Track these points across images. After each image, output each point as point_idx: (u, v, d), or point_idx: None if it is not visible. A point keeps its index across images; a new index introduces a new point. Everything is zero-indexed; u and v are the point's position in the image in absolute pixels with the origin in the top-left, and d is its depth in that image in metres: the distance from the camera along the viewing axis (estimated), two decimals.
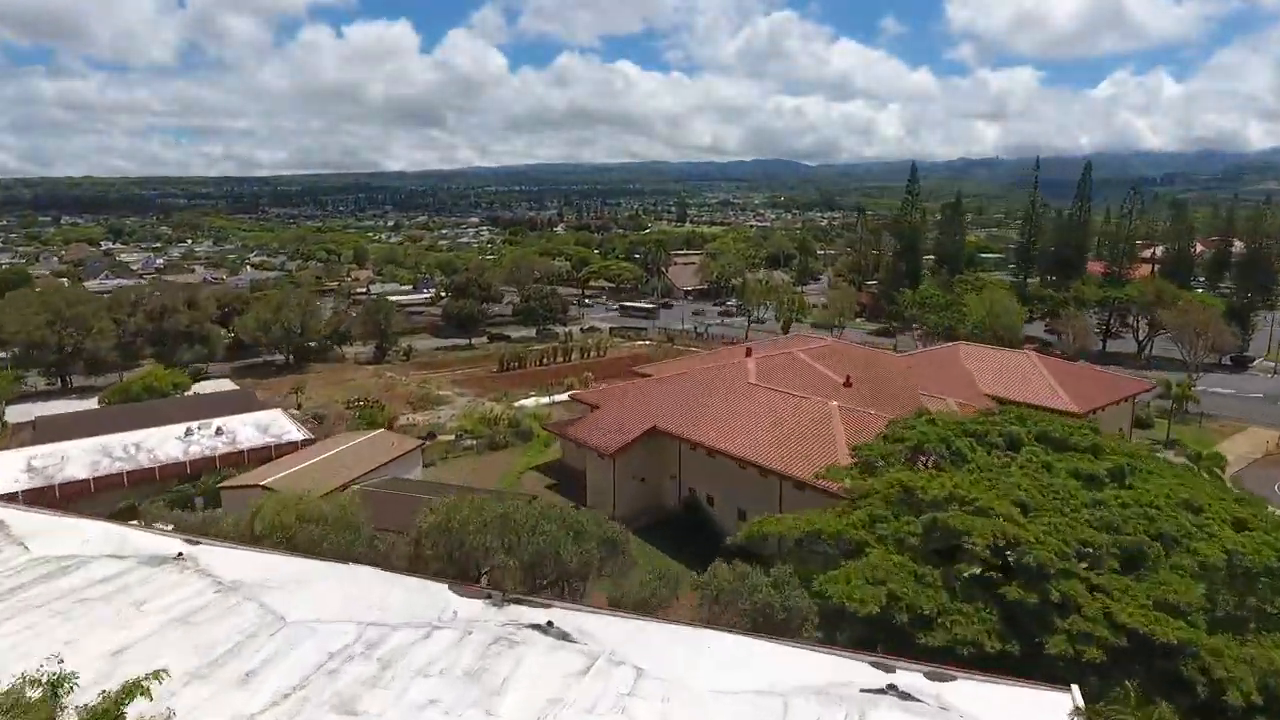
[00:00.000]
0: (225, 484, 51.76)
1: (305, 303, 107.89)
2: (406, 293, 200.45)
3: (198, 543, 31.37)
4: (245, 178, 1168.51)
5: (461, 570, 32.53)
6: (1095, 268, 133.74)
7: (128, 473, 57.07)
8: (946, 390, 59.34)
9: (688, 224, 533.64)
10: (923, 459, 36.21)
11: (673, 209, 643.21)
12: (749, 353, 61.18)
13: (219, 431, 64.00)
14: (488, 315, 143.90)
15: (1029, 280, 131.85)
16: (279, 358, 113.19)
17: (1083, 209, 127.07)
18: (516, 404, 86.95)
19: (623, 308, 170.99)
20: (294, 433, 64.97)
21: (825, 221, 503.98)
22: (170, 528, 38.10)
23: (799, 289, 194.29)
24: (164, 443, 61.64)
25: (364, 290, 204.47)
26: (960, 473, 33.68)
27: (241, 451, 60.96)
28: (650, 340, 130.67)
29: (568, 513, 32.94)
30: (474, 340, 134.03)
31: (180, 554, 29.91)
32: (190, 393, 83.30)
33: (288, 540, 35.16)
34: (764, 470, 45.69)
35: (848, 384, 56.16)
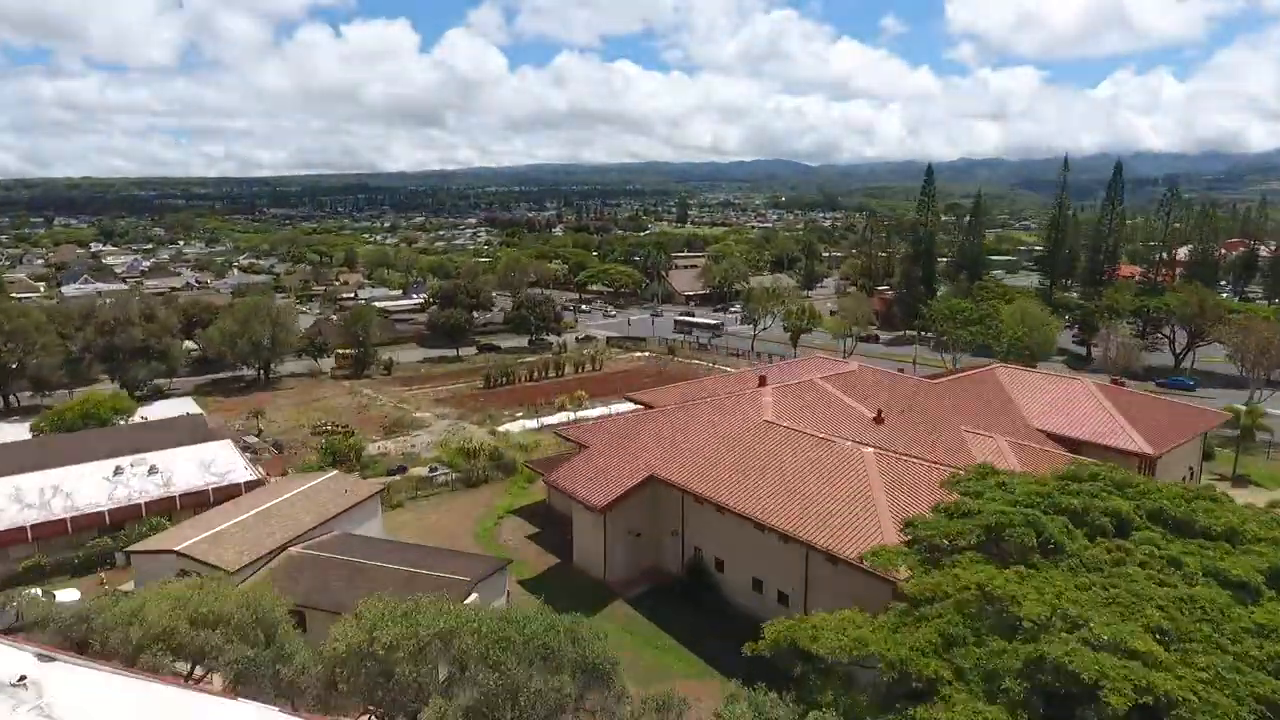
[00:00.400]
0: (135, 548, 43.33)
1: (275, 314, 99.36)
2: (396, 298, 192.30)
3: (52, 659, 23.12)
4: (245, 178, 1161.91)
5: (389, 713, 24.27)
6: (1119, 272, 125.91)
7: (32, 525, 48.62)
8: (992, 425, 50.98)
9: (688, 225, 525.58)
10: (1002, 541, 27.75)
11: (673, 210, 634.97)
12: (763, 381, 52.74)
13: (153, 470, 55.63)
14: (476, 325, 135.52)
15: (1050, 287, 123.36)
16: (249, 372, 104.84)
17: (1114, 211, 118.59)
18: (501, 428, 78.65)
19: (680, 323, 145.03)
20: (240, 471, 56.58)
21: (829, 222, 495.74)
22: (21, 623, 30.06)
23: (805, 293, 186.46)
24: (87, 484, 53.23)
25: (351, 295, 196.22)
26: (1059, 571, 25.38)
27: (175, 496, 52.59)
28: (650, 353, 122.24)
29: (537, 626, 24.45)
30: (462, 351, 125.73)
31: (23, 677, 21.64)
32: (137, 418, 74.93)
33: (175, 649, 26.96)
34: (786, 536, 37.29)
35: (879, 420, 47.83)
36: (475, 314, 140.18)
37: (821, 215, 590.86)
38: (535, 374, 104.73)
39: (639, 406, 61.89)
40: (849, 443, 41.61)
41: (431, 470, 66.14)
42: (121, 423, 71.06)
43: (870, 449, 40.46)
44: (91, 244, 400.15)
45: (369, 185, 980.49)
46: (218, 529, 42.09)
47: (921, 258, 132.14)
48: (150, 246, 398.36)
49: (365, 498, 48.76)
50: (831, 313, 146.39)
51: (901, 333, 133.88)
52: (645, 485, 44.29)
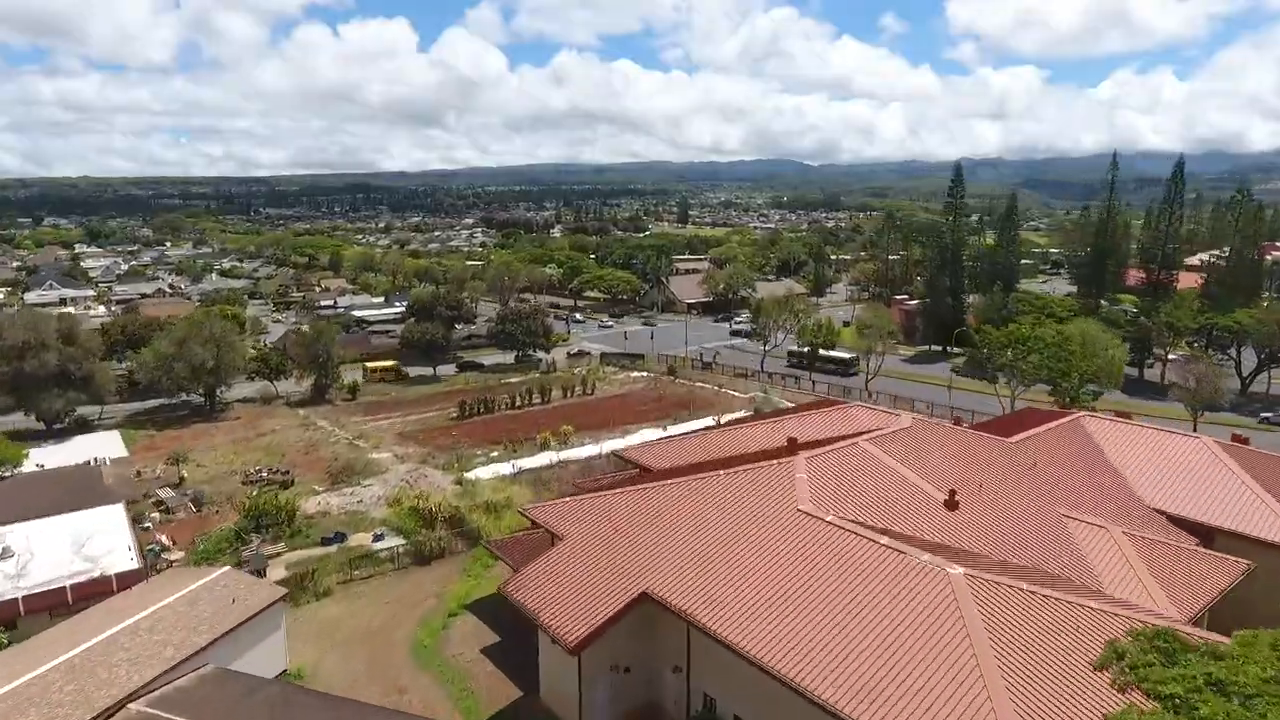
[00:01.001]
0: None
1: (218, 334, 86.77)
2: (377, 306, 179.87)
3: None
4: (244, 178, 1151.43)
5: None
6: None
7: None
8: (1098, 505, 38.56)
9: (690, 225, 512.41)
10: None
11: (674, 209, 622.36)
12: (793, 445, 40.17)
13: (5, 554, 43.31)
14: (457, 339, 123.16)
15: (1095, 299, 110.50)
16: (196, 398, 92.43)
17: (1172, 212, 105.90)
18: (470, 475, 66.22)
19: (795, 355, 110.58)
20: (120, 554, 44.08)
21: (832, 223, 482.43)
22: None
23: (815, 300, 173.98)
24: None
25: (330, 303, 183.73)
26: None
27: (18, 599, 40.08)
28: (648, 372, 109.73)
29: None
30: (441, 369, 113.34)
31: None
32: (31, 466, 62.65)
33: None
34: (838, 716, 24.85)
35: (952, 504, 35.41)
36: (458, 326, 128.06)
37: (825, 215, 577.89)
38: (518, 400, 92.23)
39: (630, 467, 49.36)
40: (924, 556, 29.16)
41: (376, 538, 53.81)
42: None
43: (959, 570, 28.01)
44: (76, 245, 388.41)
45: (369, 185, 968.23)
46: (25, 678, 29.69)
47: (949, 266, 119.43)
48: (136, 248, 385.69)
49: (260, 609, 36.25)
50: (845, 323, 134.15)
51: (926, 348, 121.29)
52: (637, 603, 31.88)
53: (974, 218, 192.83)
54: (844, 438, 41.62)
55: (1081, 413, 49.46)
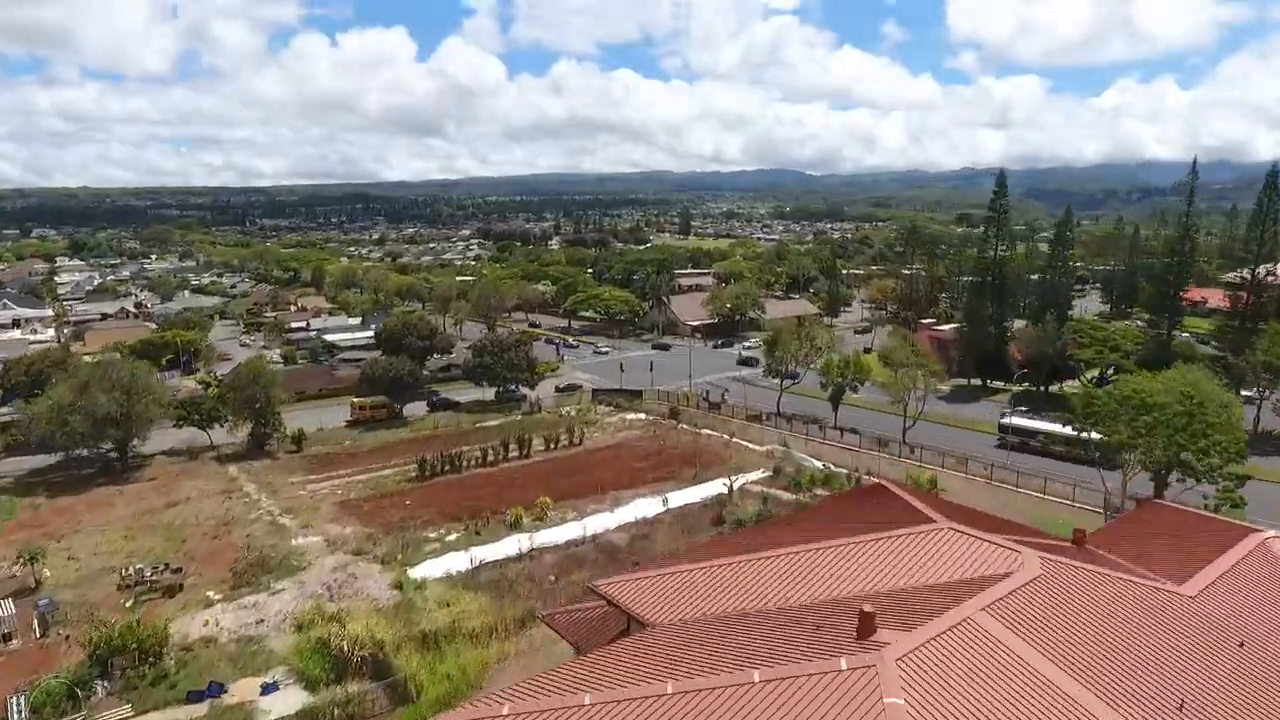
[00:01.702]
0: None
1: (129, 379, 72.08)
2: (354, 328, 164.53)
3: None
4: (244, 188, 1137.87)
5: None
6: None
7: None
8: None
9: (691, 235, 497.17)
10: None
11: (675, 220, 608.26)
12: (867, 624, 25.42)
13: None
14: (429, 374, 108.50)
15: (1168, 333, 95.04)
16: (111, 451, 77.62)
17: (1266, 222, 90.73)
18: (415, 572, 51.53)
19: (1012, 430, 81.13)
20: None
21: (837, 234, 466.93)
22: None
23: (830, 321, 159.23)
24: None
25: (303, 324, 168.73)
26: None
27: None
28: (647, 415, 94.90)
29: None
30: (411, 407, 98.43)
31: None
32: None
33: None
34: None
35: None
36: (435, 356, 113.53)
37: (829, 226, 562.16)
38: (490, 456, 77.30)
39: (606, 605, 34.51)
40: None
41: (266, 690, 39.05)
42: None
43: None
44: (58, 258, 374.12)
45: (369, 195, 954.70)
46: None
47: (990, 290, 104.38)
48: (118, 261, 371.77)
49: None
50: (866, 350, 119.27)
51: (965, 382, 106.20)
52: None
53: (980, 229, 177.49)
54: (937, 593, 26.89)
55: (1265, 531, 34.40)
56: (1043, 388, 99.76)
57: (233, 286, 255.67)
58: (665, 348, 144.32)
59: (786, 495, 65.77)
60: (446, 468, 73.80)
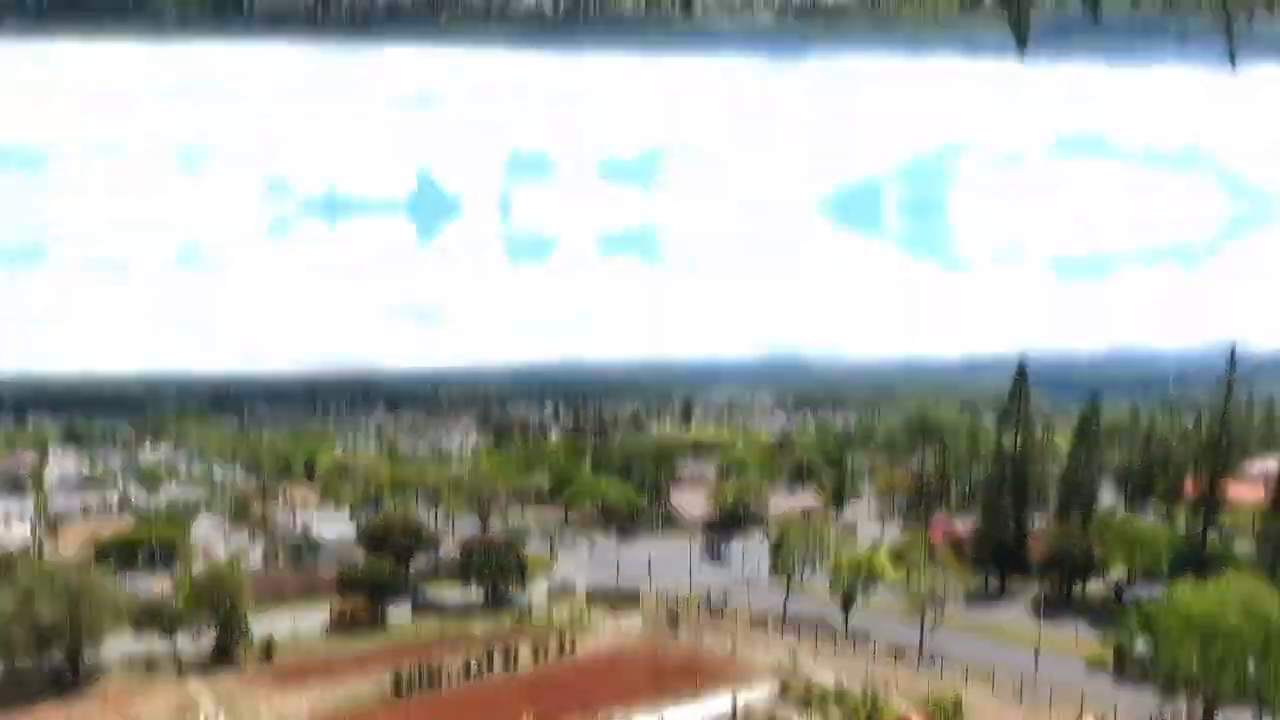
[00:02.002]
0: None
1: (75, 586, 66.84)
2: (344, 521, 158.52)
3: None
4: (246, 374, 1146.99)
5: None
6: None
7: None
8: None
9: (693, 424, 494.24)
10: None
11: (676, 409, 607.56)
12: None
13: None
14: (414, 575, 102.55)
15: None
16: (60, 661, 71.14)
17: None
18: None
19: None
20: None
21: (840, 422, 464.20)
22: None
23: (835, 513, 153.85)
24: None
25: (289, 519, 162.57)
26: None
27: None
28: (644, 620, 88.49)
29: None
30: (394, 611, 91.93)
31: None
32: None
33: None
34: None
35: None
36: (419, 555, 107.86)
37: (832, 414, 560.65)
38: (475, 669, 70.77)
39: None
40: None
41: None
42: None
43: None
44: (50, 446, 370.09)
45: (368, 381, 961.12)
46: None
47: (1010, 483, 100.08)
48: (109, 451, 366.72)
49: None
50: (876, 548, 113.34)
51: (984, 583, 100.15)
52: None
53: (989, 418, 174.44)
54: None
55: None
56: (1065, 589, 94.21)
57: (223, 478, 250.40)
58: (664, 541, 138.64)
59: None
60: (425, 681, 67.20)
